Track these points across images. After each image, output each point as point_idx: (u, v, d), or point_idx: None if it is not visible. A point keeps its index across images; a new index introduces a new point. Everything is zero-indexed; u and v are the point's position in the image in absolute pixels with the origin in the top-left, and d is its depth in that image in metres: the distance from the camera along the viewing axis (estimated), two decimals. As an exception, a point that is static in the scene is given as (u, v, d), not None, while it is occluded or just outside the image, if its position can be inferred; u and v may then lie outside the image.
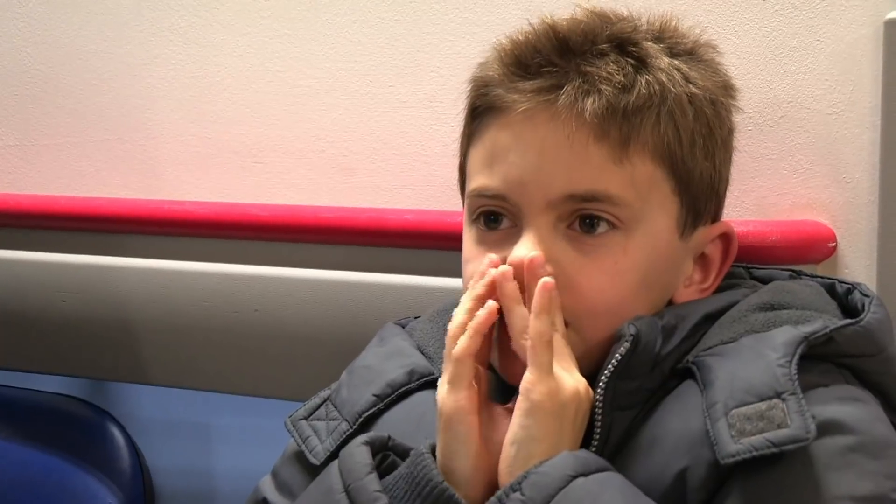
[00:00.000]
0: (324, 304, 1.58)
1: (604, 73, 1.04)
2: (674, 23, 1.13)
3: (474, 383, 1.01)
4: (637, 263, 1.05)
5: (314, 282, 1.59)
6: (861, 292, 1.08)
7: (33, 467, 1.83)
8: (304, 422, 1.19)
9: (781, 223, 1.33)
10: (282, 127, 1.66)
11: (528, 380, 0.97)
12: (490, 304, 1.01)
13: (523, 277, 1.01)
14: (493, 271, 1.02)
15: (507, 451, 0.96)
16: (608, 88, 1.03)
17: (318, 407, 1.21)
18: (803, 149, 1.34)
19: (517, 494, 0.91)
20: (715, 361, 0.99)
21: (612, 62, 1.05)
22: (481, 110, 1.12)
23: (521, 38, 1.10)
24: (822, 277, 1.14)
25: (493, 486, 0.98)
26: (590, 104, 1.02)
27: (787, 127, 1.34)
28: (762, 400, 0.92)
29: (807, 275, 1.15)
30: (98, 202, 1.74)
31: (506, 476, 0.95)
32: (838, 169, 1.34)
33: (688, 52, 1.11)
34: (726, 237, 1.13)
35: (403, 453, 1.03)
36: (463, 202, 1.16)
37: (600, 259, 1.04)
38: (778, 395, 0.91)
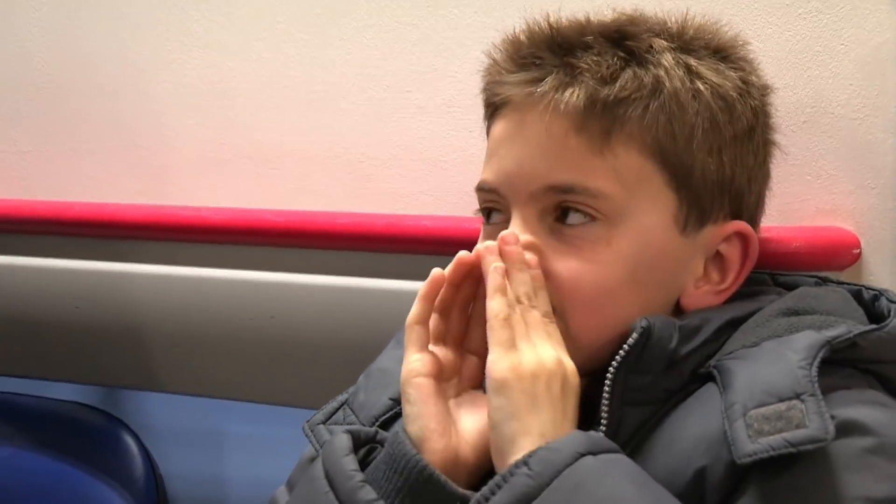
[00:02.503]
0: (340, 311, 1.58)
1: (584, 65, 1.04)
2: (699, 20, 1.12)
3: (443, 354, 1.06)
4: (622, 256, 1.04)
5: (330, 288, 1.58)
6: (888, 298, 1.07)
7: (46, 475, 1.82)
8: (321, 426, 1.18)
9: (805, 229, 1.32)
10: (297, 132, 1.65)
11: (488, 361, 0.98)
12: (434, 271, 1.07)
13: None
14: (463, 254, 1.06)
15: (491, 438, 0.96)
16: (589, 80, 1.04)
17: (336, 411, 1.20)
18: (827, 154, 1.33)
19: (524, 469, 0.89)
20: (736, 364, 0.98)
21: (596, 54, 1.05)
22: (487, 108, 1.16)
23: (516, 34, 1.13)
24: (848, 284, 1.13)
25: (458, 454, 1.00)
26: (568, 95, 1.03)
27: (810, 132, 1.33)
28: (781, 401, 0.90)
29: (833, 281, 1.14)
30: (112, 208, 1.73)
31: (500, 462, 0.94)
32: (863, 174, 1.32)
33: (711, 48, 1.10)
34: (743, 236, 1.11)
35: None
36: None
37: (581, 249, 1.04)
38: (797, 396, 0.90)
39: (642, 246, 1.05)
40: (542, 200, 1.05)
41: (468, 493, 0.96)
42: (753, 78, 1.13)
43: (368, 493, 0.97)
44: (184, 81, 1.72)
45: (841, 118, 1.32)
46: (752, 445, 0.88)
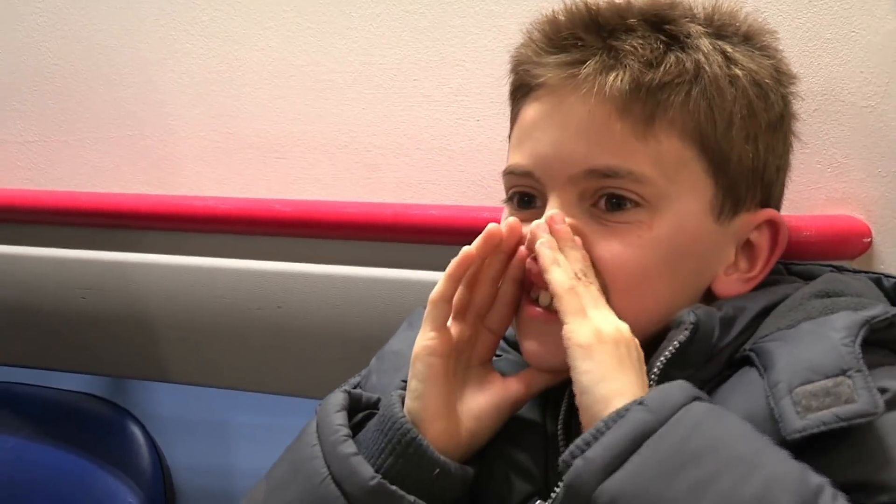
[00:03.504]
0: (347, 301, 1.57)
1: (628, 48, 1.03)
2: (727, 7, 1.12)
3: (457, 329, 1.06)
4: (661, 240, 1.03)
5: (338, 278, 1.58)
6: None
7: (53, 466, 1.82)
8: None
9: (815, 217, 1.31)
10: (304, 122, 1.64)
11: (567, 330, 0.96)
12: (465, 249, 1.05)
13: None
14: (493, 226, 1.05)
15: (581, 401, 0.93)
16: (633, 63, 1.03)
17: None
18: (838, 142, 1.33)
19: (639, 406, 0.88)
20: (775, 346, 0.97)
21: (640, 37, 1.04)
22: (517, 90, 1.13)
23: (553, 14, 1.11)
24: (867, 272, 1.13)
25: (454, 435, 1.02)
26: (612, 78, 1.02)
27: (821, 120, 1.32)
28: (828, 377, 0.90)
29: (849, 270, 1.14)
30: (118, 198, 1.72)
31: (592, 423, 0.91)
32: (873, 163, 1.32)
33: (741, 35, 1.10)
34: (773, 224, 1.11)
35: None
36: None
37: (623, 233, 1.03)
38: (843, 373, 0.90)
39: (680, 232, 1.04)
40: (581, 184, 1.04)
41: (450, 462, 0.99)
42: (783, 66, 1.13)
43: (349, 447, 1.00)
44: (189, 71, 1.72)
45: (852, 106, 1.31)
46: (801, 422, 0.88)
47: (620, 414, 0.88)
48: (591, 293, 0.98)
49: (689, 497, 0.82)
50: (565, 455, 0.89)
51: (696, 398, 0.89)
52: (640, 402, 0.88)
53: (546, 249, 1.00)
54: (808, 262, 1.17)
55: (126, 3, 1.74)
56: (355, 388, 1.19)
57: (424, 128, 1.56)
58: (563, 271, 0.98)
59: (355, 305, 1.57)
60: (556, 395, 1.09)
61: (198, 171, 1.73)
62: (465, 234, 1.44)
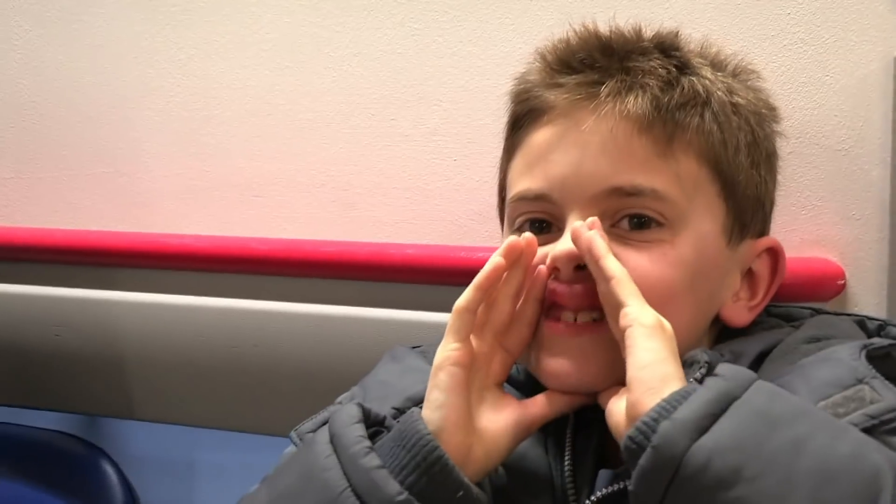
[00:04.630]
0: (324, 340, 1.57)
1: (647, 68, 1.05)
2: (714, 49, 1.14)
3: (478, 345, 1.04)
4: (685, 259, 1.04)
5: (314, 317, 1.58)
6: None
7: (25, 504, 1.81)
8: (311, 435, 1.14)
9: (790, 259, 1.30)
10: (281, 160, 1.64)
11: (629, 311, 0.95)
12: (495, 259, 1.03)
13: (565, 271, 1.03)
14: (513, 238, 1.04)
15: (640, 375, 0.91)
16: (652, 83, 1.04)
17: (327, 421, 1.17)
18: (812, 185, 1.34)
19: (716, 377, 0.88)
20: (780, 381, 0.96)
21: (656, 59, 1.06)
22: (521, 118, 1.13)
23: (563, 41, 1.12)
24: (850, 314, 1.14)
25: (470, 451, 0.99)
26: (633, 98, 1.03)
27: (795, 163, 1.33)
28: (846, 388, 0.92)
29: (828, 312, 1.15)
30: (94, 235, 1.72)
31: (648, 397, 0.89)
32: (847, 206, 1.33)
33: (730, 71, 1.13)
34: (773, 252, 1.13)
35: None
36: (502, 228, 1.16)
37: (649, 250, 1.03)
38: (859, 381, 0.92)
39: (700, 253, 1.05)
40: (602, 204, 1.04)
41: (472, 484, 0.96)
42: (771, 102, 1.15)
43: (372, 459, 0.96)
44: (166, 109, 1.72)
45: (826, 149, 1.33)
46: None
47: (699, 381, 0.88)
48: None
49: (788, 452, 0.82)
50: (639, 424, 0.86)
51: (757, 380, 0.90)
52: (714, 374, 0.89)
53: (599, 239, 0.99)
54: (786, 304, 1.18)
55: (104, 40, 1.74)
56: None
57: (401, 167, 1.56)
58: (615, 261, 0.98)
59: (332, 344, 1.56)
60: (557, 438, 1.08)
61: (174, 209, 1.72)
62: (442, 273, 1.45)
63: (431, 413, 1.00)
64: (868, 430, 0.88)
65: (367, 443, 0.98)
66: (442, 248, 1.50)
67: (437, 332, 1.34)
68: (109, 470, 1.83)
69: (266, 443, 1.62)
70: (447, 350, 1.02)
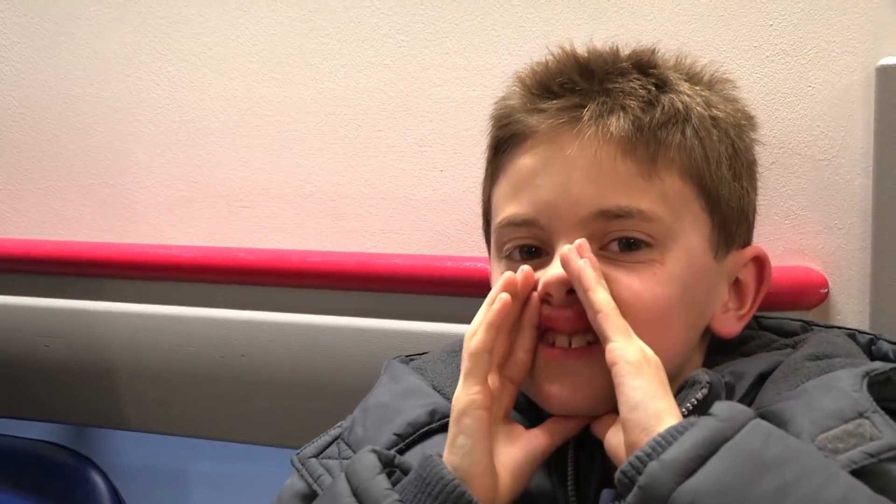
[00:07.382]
0: (311, 350, 1.57)
1: (627, 90, 1.06)
2: (689, 60, 1.15)
3: (490, 382, 1.02)
4: (675, 277, 1.04)
5: (302, 327, 1.58)
6: (887, 341, 1.10)
7: (14, 515, 1.81)
8: (313, 460, 1.15)
9: (773, 269, 1.32)
10: (269, 171, 1.65)
11: (614, 347, 0.95)
12: (503, 296, 1.02)
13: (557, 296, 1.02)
14: (509, 274, 1.03)
15: (632, 417, 0.92)
16: (633, 104, 1.05)
17: (329, 445, 1.17)
18: (795, 194, 1.35)
19: (711, 417, 0.88)
20: (783, 407, 0.98)
21: (635, 79, 1.06)
22: (504, 143, 1.12)
23: (541, 64, 1.12)
24: (838, 328, 1.14)
25: (497, 492, 0.99)
26: (615, 120, 1.04)
27: (778, 173, 1.34)
28: (846, 421, 0.92)
29: (817, 325, 1.16)
30: (82, 246, 1.72)
31: (644, 437, 0.90)
32: (830, 215, 1.34)
33: (706, 83, 1.13)
34: (759, 261, 1.14)
35: (409, 471, 1.01)
36: (488, 248, 1.16)
37: (639, 271, 1.03)
38: (860, 415, 0.92)
39: (689, 269, 1.05)
40: (590, 227, 1.04)
41: None
42: (748, 111, 1.16)
43: None
44: (154, 120, 1.72)
45: (808, 159, 1.33)
46: None
47: (691, 422, 0.88)
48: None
49: (773, 498, 0.82)
50: (632, 459, 0.87)
51: (757, 416, 0.90)
52: (708, 414, 0.89)
53: (589, 269, 0.99)
54: (775, 315, 1.19)
55: (92, 52, 1.75)
56: (336, 439, 1.17)
57: (388, 178, 1.57)
58: (606, 292, 0.99)
59: (319, 354, 1.57)
60: (559, 457, 1.07)
61: (162, 220, 1.73)
62: (429, 283, 1.46)
63: (460, 460, 0.99)
64: (866, 468, 0.88)
65: (396, 496, 0.97)
66: (429, 257, 1.51)
67: (424, 342, 1.36)
68: (98, 480, 1.84)
69: (254, 452, 1.63)
70: (470, 394, 1.00)
